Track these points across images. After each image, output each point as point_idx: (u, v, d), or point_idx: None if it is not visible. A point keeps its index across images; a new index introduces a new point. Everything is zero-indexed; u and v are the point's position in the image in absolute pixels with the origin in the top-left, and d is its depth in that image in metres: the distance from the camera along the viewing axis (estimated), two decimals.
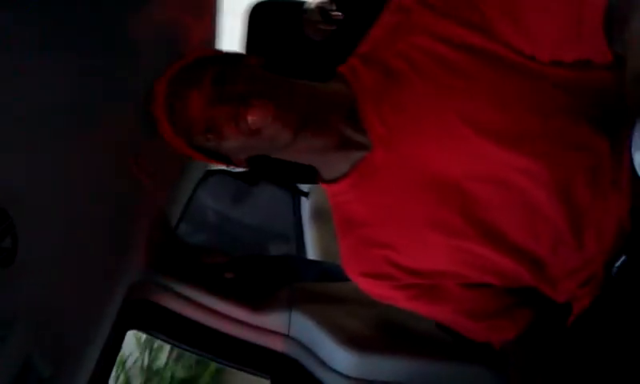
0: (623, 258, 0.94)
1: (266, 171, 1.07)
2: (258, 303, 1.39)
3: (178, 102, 1.00)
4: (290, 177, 1.08)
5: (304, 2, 1.69)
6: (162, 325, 1.35)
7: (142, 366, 3.14)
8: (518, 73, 0.93)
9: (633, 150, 0.82)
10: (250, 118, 0.94)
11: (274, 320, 1.37)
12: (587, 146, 0.92)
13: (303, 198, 2.17)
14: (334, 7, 1.61)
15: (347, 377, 1.28)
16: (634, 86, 0.74)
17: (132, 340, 2.99)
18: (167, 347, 3.12)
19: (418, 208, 1.01)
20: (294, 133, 0.97)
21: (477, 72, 0.94)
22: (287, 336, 1.36)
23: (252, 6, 1.81)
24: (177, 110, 1.00)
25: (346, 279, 1.14)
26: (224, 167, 2.10)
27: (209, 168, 2.05)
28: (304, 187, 2.18)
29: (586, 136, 0.92)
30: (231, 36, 1.91)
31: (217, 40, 2.02)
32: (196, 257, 1.54)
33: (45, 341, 0.97)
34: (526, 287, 1.04)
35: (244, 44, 1.82)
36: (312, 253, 2.02)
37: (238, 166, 1.08)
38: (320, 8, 1.62)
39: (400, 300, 1.10)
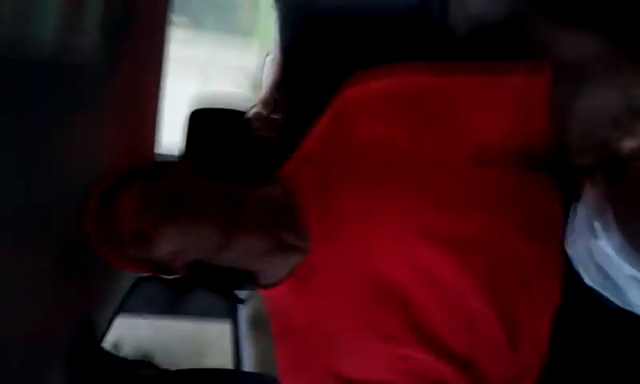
0: None
1: (202, 278, 1.04)
2: None
3: (107, 212, 1.00)
4: (227, 282, 1.04)
5: (243, 112, 1.71)
6: None
7: None
8: (458, 176, 0.95)
9: (567, 244, 0.84)
10: (173, 229, 0.95)
11: None
12: (520, 253, 0.94)
13: (240, 306, 2.12)
14: (273, 111, 1.64)
15: None
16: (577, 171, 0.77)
17: None
18: None
19: (358, 312, 1.00)
20: (224, 236, 0.96)
21: (417, 176, 0.97)
22: None
23: (190, 112, 1.82)
24: (106, 221, 1.00)
25: None
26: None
27: (139, 275, 1.97)
28: (241, 294, 2.12)
29: (520, 243, 0.94)
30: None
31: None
32: (126, 370, 1.44)
33: None
34: None
35: (182, 150, 1.81)
36: (249, 363, 1.95)
37: (176, 273, 1.04)
38: (258, 114, 1.64)
39: None
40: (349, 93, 1.07)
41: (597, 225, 0.79)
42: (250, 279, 1.07)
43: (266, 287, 1.06)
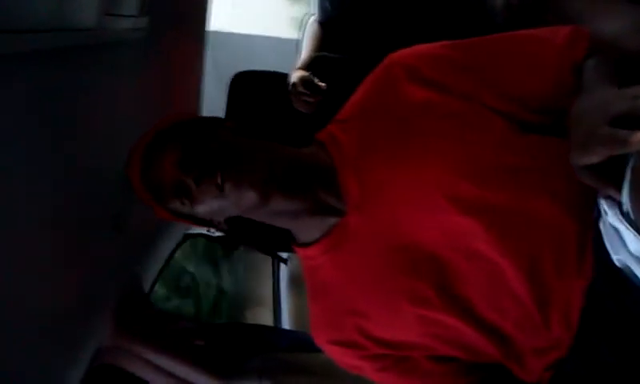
0: None
1: (244, 234, 1.07)
2: (228, 372, 1.36)
3: (151, 167, 1.01)
4: (267, 240, 1.07)
5: (285, 74, 1.72)
6: None
7: None
8: (501, 145, 0.94)
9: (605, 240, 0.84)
10: (215, 184, 0.96)
11: None
12: (557, 226, 0.93)
13: (282, 265, 2.17)
14: (316, 79, 1.64)
15: None
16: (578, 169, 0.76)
17: None
18: None
19: (390, 276, 1.01)
20: (262, 195, 0.97)
21: (457, 144, 0.95)
22: None
23: (234, 75, 1.85)
24: (151, 175, 1.02)
25: (319, 350, 1.12)
26: (203, 231, 2.12)
27: (187, 231, 2.05)
28: (284, 254, 2.17)
29: (557, 216, 0.93)
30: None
31: (200, 106, 2.07)
32: (168, 323, 1.52)
33: None
34: (495, 364, 1.03)
35: (225, 112, 1.85)
36: (287, 320, 2.00)
37: (217, 228, 1.08)
38: (303, 80, 1.65)
39: (368, 370, 1.08)
40: (393, 58, 1.06)
41: (603, 202, 0.78)
42: (286, 237, 1.11)
43: (302, 246, 1.08)
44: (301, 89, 1.63)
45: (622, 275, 0.82)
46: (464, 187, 0.94)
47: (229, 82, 1.84)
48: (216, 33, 2.31)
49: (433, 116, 0.97)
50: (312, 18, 1.90)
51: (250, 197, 0.97)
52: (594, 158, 0.70)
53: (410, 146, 0.98)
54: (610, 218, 0.77)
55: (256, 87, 1.83)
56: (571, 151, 0.74)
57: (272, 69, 1.86)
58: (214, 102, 1.94)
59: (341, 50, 1.80)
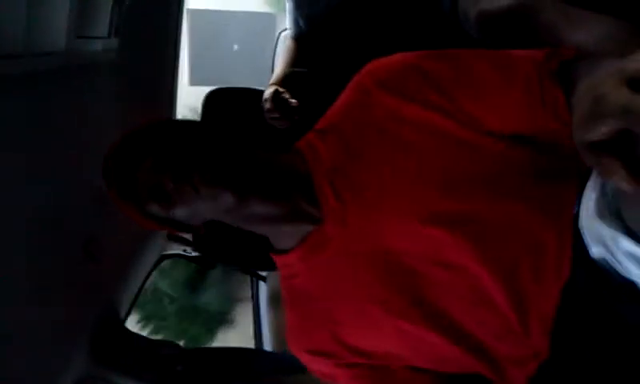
0: None
1: (223, 247, 1.06)
2: None
3: (127, 172, 1.01)
4: (242, 245, 1.05)
5: (260, 91, 1.71)
6: None
7: None
8: (475, 154, 0.94)
9: (583, 233, 0.82)
10: (191, 185, 0.96)
11: None
12: (534, 232, 0.93)
13: (261, 283, 2.14)
14: (289, 95, 1.63)
15: None
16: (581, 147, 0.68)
17: None
18: None
19: (367, 286, 1.00)
20: (238, 197, 0.97)
21: (431, 155, 0.95)
22: None
23: (207, 93, 1.83)
24: (127, 181, 1.01)
25: (303, 370, 1.10)
26: (180, 251, 2.09)
27: (164, 253, 2.01)
28: (263, 273, 2.15)
29: (534, 222, 0.93)
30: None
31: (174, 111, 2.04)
32: (146, 349, 1.48)
33: None
34: (474, 375, 1.02)
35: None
36: (269, 339, 1.97)
37: (194, 231, 1.06)
38: (274, 97, 1.63)
39: (342, 378, 1.06)
40: (368, 68, 1.06)
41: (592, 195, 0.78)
42: (263, 243, 1.09)
43: (279, 253, 1.07)
44: (269, 106, 1.62)
45: (599, 269, 0.82)
46: (438, 198, 0.94)
47: (202, 100, 1.82)
48: (193, 11, 2.30)
49: (408, 127, 0.97)
50: (286, 33, 1.90)
51: (227, 198, 0.96)
52: (603, 130, 0.58)
53: (386, 157, 0.98)
54: (593, 215, 0.76)
55: (230, 104, 1.82)
56: (575, 126, 0.62)
57: (248, 43, 1.85)
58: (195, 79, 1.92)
59: (314, 65, 1.80)
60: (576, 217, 0.89)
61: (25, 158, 1.07)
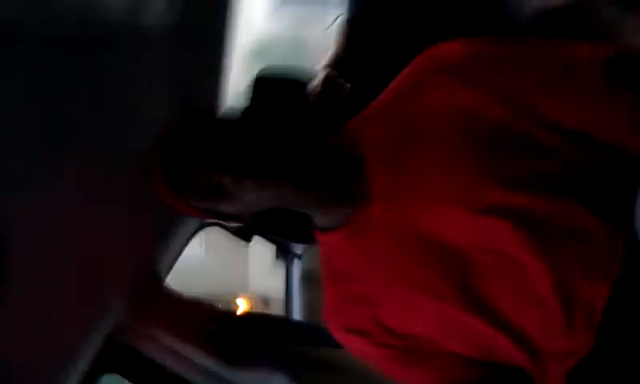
0: None
1: (265, 223, 1.06)
2: (238, 360, 1.37)
3: (177, 168, 0.99)
4: (288, 227, 1.06)
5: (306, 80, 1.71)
6: (137, 371, 1.33)
7: None
8: (533, 148, 0.94)
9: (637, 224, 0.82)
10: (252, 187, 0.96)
11: (253, 379, 1.34)
12: (587, 230, 0.92)
13: (296, 260, 2.17)
14: (341, 80, 1.64)
15: None
16: None
17: None
18: None
19: (411, 269, 1.00)
20: (299, 191, 0.98)
21: (491, 146, 0.95)
22: None
23: (256, 76, 1.84)
24: (177, 177, 0.99)
25: (335, 344, 1.12)
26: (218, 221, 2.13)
27: (203, 221, 2.05)
28: (297, 249, 2.17)
29: (588, 219, 0.92)
30: None
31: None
32: (182, 306, 1.52)
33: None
34: (512, 367, 1.02)
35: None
36: (300, 315, 2.00)
37: (240, 221, 1.07)
38: (327, 80, 1.65)
39: (376, 358, 1.07)
40: (432, 51, 1.05)
41: None
42: (306, 221, 1.11)
43: (323, 232, 1.08)
44: (321, 88, 1.63)
45: None
46: (494, 189, 0.94)
47: (250, 85, 1.83)
48: None
49: (469, 116, 0.96)
50: (341, 18, 1.90)
51: (289, 194, 0.98)
52: None
53: (442, 144, 0.98)
54: None
55: (280, 87, 1.83)
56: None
57: None
58: None
59: (368, 50, 1.80)
60: (631, 216, 0.88)
61: (76, 123, 1.10)
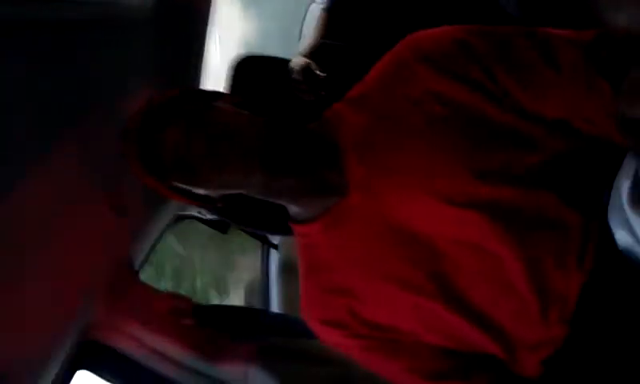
0: None
1: (238, 214, 1.05)
2: (213, 353, 1.35)
3: (151, 145, 0.98)
4: (261, 220, 1.06)
5: (288, 60, 1.71)
6: (111, 367, 1.31)
7: None
8: (512, 139, 0.93)
9: (610, 218, 0.82)
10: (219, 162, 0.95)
11: (229, 372, 1.33)
12: (560, 220, 0.93)
13: (272, 251, 2.16)
14: (317, 67, 1.63)
15: None
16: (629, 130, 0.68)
17: None
18: None
19: (386, 260, 1.00)
20: (268, 174, 0.96)
21: (466, 137, 0.95)
22: None
23: (237, 60, 1.83)
24: (151, 153, 0.98)
25: (311, 335, 1.11)
26: (195, 213, 2.11)
27: (179, 213, 2.03)
28: (275, 240, 2.16)
29: (561, 209, 0.92)
30: None
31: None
32: (157, 300, 1.50)
33: None
34: (487, 356, 1.02)
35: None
36: (277, 306, 1.99)
37: (212, 204, 1.06)
38: (302, 68, 1.64)
39: (353, 349, 1.07)
40: (411, 39, 1.03)
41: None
42: (281, 212, 1.09)
43: (299, 223, 1.07)
44: (297, 76, 1.62)
45: (625, 259, 0.82)
46: (468, 181, 0.93)
47: (231, 68, 1.82)
48: None
49: (444, 105, 0.96)
50: (316, 4, 1.89)
51: (257, 176, 0.96)
52: None
53: (417, 132, 0.97)
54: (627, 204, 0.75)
55: (259, 72, 1.82)
56: (622, 100, 0.62)
57: None
58: None
59: (345, 38, 1.79)
60: (604, 207, 0.88)
61: (54, 106, 1.07)
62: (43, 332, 1.14)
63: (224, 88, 1.84)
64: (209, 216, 2.03)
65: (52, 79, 1.06)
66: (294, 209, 1.06)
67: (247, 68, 1.85)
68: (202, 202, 1.05)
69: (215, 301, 2.54)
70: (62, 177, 1.13)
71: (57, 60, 1.06)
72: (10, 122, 0.94)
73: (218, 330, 1.44)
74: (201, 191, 1.01)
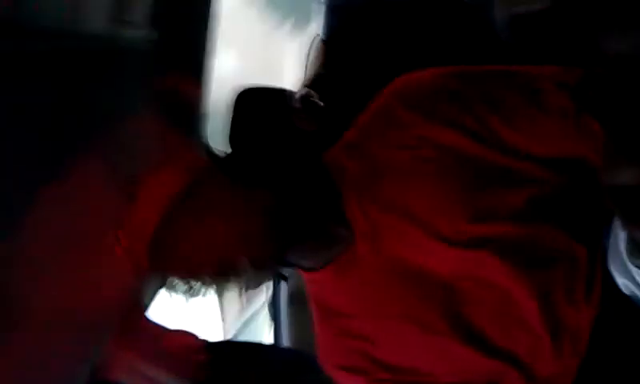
0: None
1: None
2: None
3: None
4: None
5: (288, 91, 1.72)
6: None
7: None
8: (507, 179, 0.94)
9: (610, 265, 0.81)
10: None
11: None
12: (567, 253, 0.93)
13: (281, 283, 2.15)
14: (316, 97, 1.65)
15: None
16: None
17: None
18: None
19: (398, 302, 1.00)
20: (277, 242, 0.94)
21: (464, 179, 0.95)
22: None
23: (237, 93, 1.84)
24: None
25: (319, 370, 1.10)
26: None
27: None
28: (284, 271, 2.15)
29: (567, 242, 0.93)
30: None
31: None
32: (167, 337, 1.50)
33: None
34: None
35: (228, 131, 1.83)
36: (286, 338, 1.98)
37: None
38: (302, 98, 1.65)
39: None
40: (397, 85, 1.04)
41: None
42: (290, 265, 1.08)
43: (307, 270, 1.07)
44: (297, 105, 1.64)
45: (629, 302, 0.82)
46: (472, 222, 0.94)
47: (233, 101, 1.83)
48: None
49: (438, 151, 0.96)
50: (318, 38, 1.91)
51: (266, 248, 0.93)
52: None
53: (415, 179, 0.97)
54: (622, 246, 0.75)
55: (260, 104, 1.83)
56: (604, 165, 0.53)
57: None
58: None
59: (344, 69, 1.81)
60: (606, 249, 0.88)
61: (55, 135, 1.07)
62: (60, 371, 1.13)
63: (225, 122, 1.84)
64: None
65: (53, 112, 1.05)
66: (300, 258, 1.06)
67: (248, 100, 1.85)
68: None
69: None
70: (70, 209, 1.13)
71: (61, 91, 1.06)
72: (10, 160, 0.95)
73: (231, 366, 1.44)
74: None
